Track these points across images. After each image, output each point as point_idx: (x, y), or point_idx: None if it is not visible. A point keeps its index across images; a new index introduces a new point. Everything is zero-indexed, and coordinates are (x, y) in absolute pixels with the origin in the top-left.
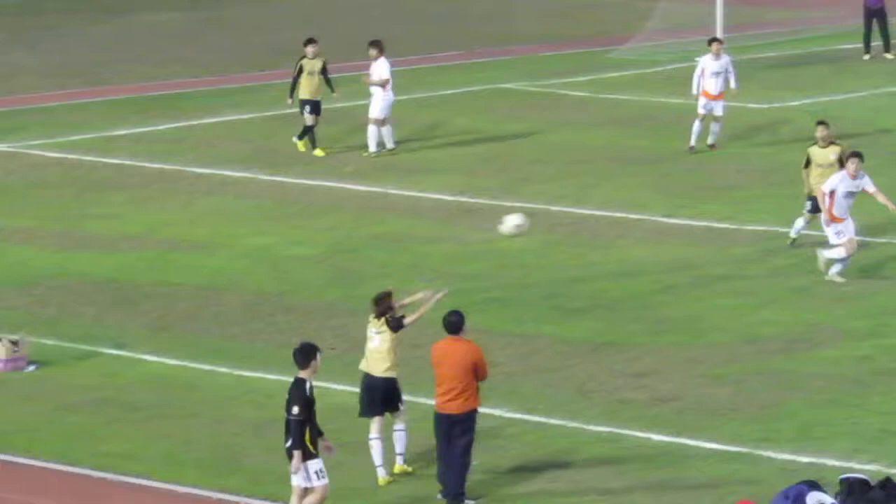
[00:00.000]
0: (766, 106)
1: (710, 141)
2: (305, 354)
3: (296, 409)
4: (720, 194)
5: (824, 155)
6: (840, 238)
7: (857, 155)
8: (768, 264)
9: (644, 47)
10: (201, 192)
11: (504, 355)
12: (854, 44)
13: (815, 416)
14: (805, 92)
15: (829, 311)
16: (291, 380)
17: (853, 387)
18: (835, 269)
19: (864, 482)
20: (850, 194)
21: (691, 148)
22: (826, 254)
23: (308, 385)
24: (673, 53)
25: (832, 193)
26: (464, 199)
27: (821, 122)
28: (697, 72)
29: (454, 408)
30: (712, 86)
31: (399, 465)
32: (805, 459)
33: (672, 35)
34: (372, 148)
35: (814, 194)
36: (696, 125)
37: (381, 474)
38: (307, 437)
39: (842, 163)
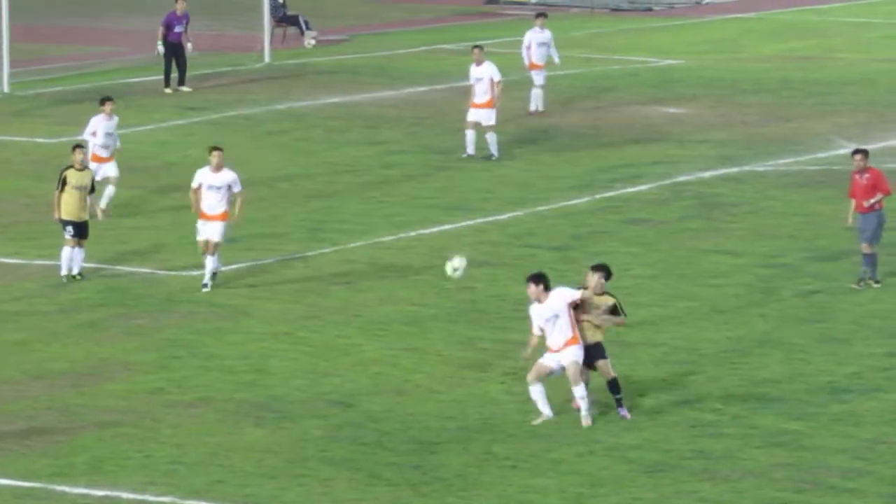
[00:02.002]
0: (54, 141)
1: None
2: None
3: None
4: (6, 230)
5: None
6: None
7: None
8: (56, 299)
9: None
10: None
11: None
12: (141, 77)
13: (106, 449)
14: None
15: (118, 344)
16: None
17: (144, 419)
18: None
19: None
20: None
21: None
22: None
23: None
24: None
25: None
26: None
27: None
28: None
29: None
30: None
31: None
32: (100, 493)
33: None
34: None
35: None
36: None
37: None
38: None
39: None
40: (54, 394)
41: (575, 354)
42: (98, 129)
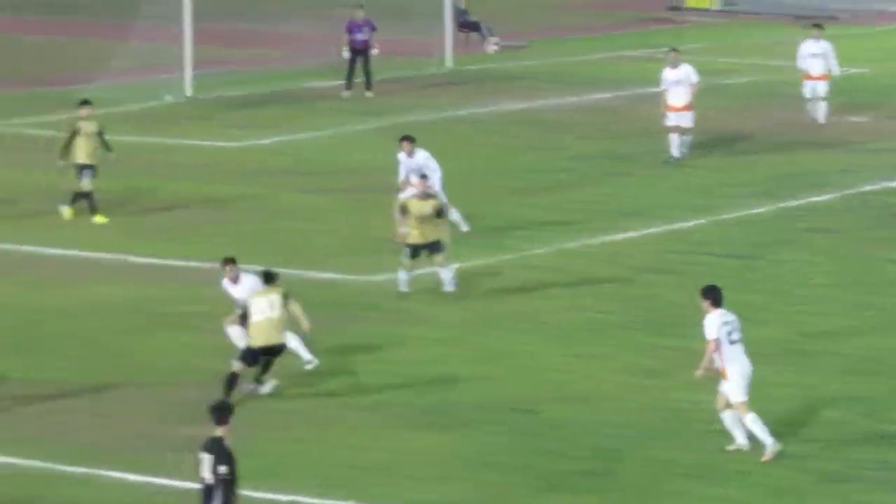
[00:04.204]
0: (233, 144)
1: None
2: (222, 412)
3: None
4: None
5: (420, 206)
6: None
7: None
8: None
9: (111, 86)
10: None
11: None
12: (321, 82)
13: (284, 453)
14: (272, 130)
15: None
16: None
17: (321, 423)
18: None
19: None
20: None
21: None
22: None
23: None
24: (141, 92)
25: None
26: None
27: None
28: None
29: None
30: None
31: None
32: (284, 498)
33: (139, 74)
34: None
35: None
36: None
37: None
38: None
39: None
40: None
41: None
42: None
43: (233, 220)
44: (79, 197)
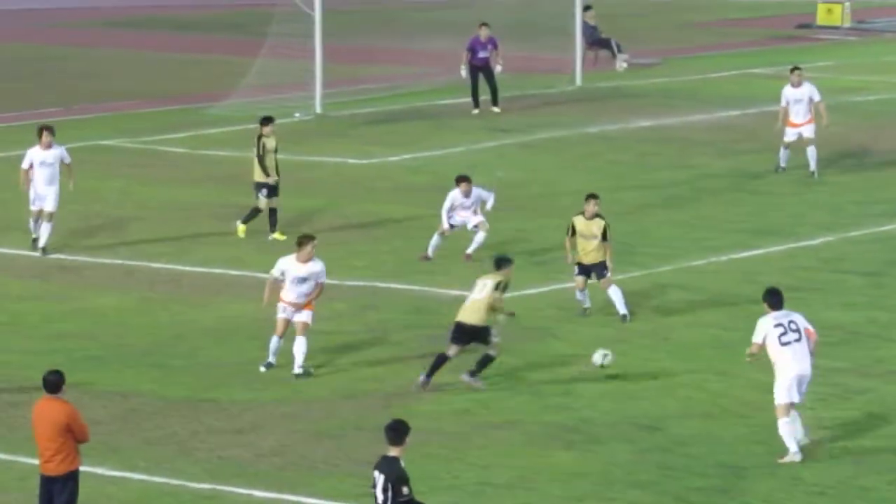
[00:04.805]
0: (365, 161)
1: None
2: (399, 432)
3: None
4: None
5: (588, 226)
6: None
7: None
8: (363, 319)
9: (242, 104)
10: None
11: (104, 414)
12: (451, 99)
13: (415, 470)
14: (404, 147)
15: (424, 365)
16: None
17: (452, 440)
18: None
19: None
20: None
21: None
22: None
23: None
24: (271, 109)
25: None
26: (61, 256)
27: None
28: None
29: (52, 469)
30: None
31: None
32: None
33: (270, 92)
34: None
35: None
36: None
37: None
38: None
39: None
40: (364, 414)
41: None
42: (789, 97)
43: (385, 237)
44: (253, 214)
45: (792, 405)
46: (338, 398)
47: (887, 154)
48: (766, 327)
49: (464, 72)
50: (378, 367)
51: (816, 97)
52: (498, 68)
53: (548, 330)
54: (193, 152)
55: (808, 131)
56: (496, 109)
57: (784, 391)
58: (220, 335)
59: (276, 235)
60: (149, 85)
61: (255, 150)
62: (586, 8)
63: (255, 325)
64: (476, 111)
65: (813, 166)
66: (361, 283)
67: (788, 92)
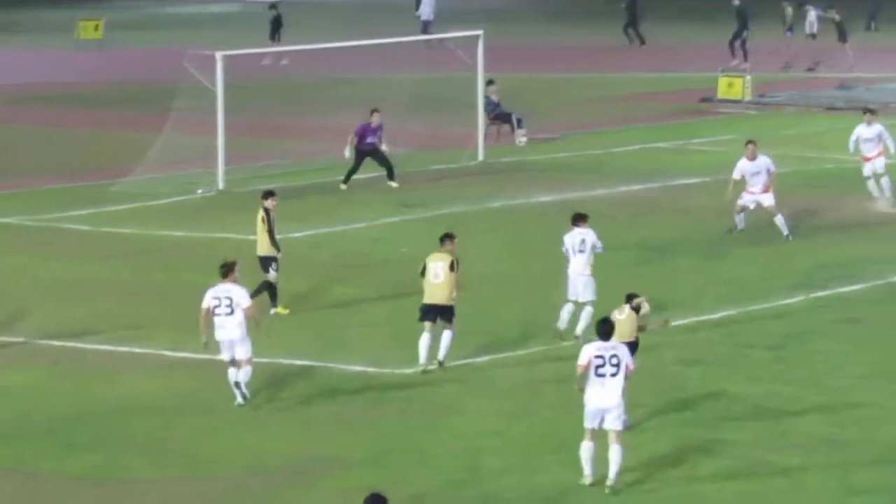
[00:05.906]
0: None
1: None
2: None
3: None
4: None
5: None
6: None
7: None
8: (270, 394)
9: (145, 180)
10: None
11: (6, 491)
12: (354, 175)
13: None
14: (307, 223)
15: (332, 440)
16: None
17: None
18: None
19: None
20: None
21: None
22: None
23: None
24: (175, 185)
25: None
26: None
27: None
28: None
29: None
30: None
31: None
32: None
33: (173, 167)
34: None
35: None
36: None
37: None
38: None
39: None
40: (270, 489)
41: None
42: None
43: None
44: (263, 288)
45: (597, 431)
46: (246, 474)
47: (789, 226)
48: (589, 355)
49: (347, 152)
50: (283, 440)
51: (772, 168)
52: (384, 147)
53: (450, 405)
54: (97, 229)
55: (768, 199)
56: (394, 184)
57: (588, 418)
58: (124, 412)
59: (279, 310)
60: (51, 161)
61: (264, 224)
62: (489, 83)
63: (159, 401)
64: (344, 187)
65: (786, 231)
66: (266, 360)
67: (744, 165)
